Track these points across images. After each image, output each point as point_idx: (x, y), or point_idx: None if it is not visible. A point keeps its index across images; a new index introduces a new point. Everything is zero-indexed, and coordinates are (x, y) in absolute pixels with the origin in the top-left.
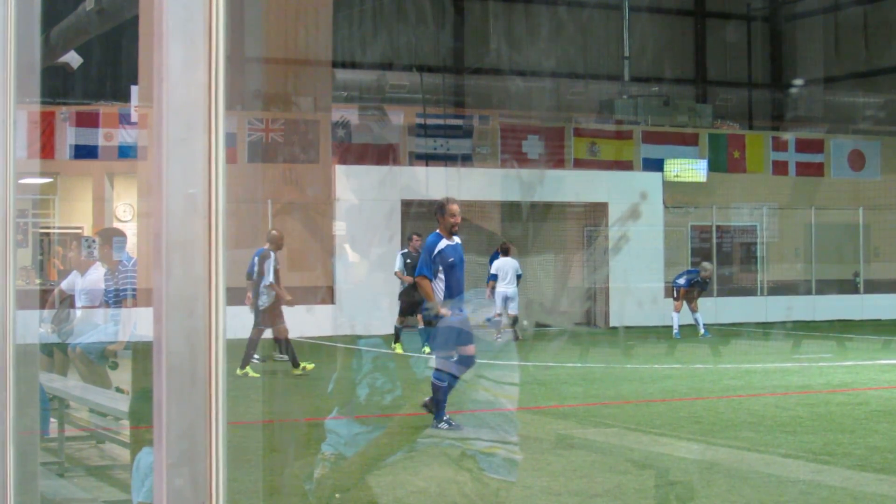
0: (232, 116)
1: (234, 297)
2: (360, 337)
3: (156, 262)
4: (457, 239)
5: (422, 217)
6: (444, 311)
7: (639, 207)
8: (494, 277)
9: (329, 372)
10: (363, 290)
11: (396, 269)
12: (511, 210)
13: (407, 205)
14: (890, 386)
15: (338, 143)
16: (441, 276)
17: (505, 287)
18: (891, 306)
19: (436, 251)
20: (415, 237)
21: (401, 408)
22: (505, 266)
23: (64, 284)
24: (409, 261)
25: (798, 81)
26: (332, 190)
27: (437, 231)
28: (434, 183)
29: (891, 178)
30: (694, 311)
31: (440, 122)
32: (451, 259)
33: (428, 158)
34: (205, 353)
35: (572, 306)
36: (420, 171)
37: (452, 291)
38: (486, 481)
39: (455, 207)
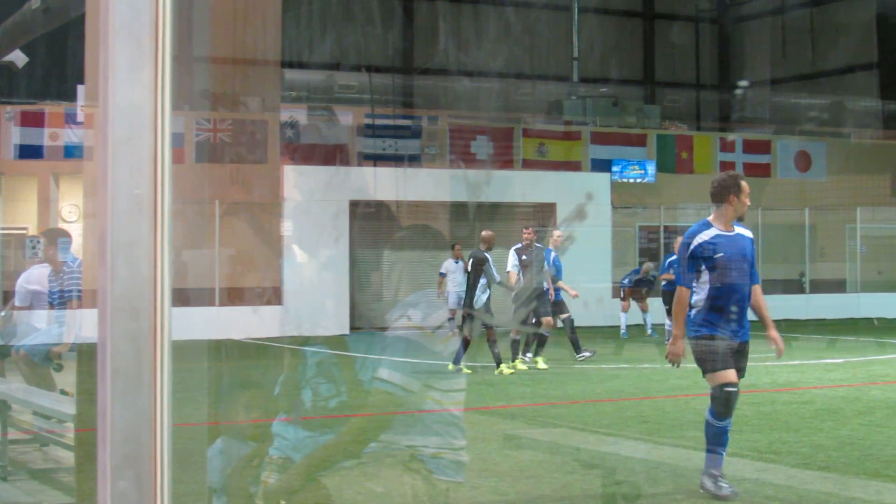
0: (179, 116)
1: (179, 298)
2: (308, 339)
3: (100, 263)
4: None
5: (370, 217)
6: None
7: (585, 208)
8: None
9: (276, 374)
10: (311, 291)
11: (510, 269)
12: (459, 210)
13: (355, 205)
14: (834, 385)
15: (286, 144)
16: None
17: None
18: (836, 306)
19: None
20: (526, 231)
21: (347, 412)
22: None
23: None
24: (524, 257)
25: (745, 83)
26: (280, 190)
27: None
28: (382, 183)
29: (836, 178)
30: (644, 310)
31: (389, 122)
32: None
33: (376, 159)
34: (150, 354)
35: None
36: (368, 171)
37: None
38: (435, 483)
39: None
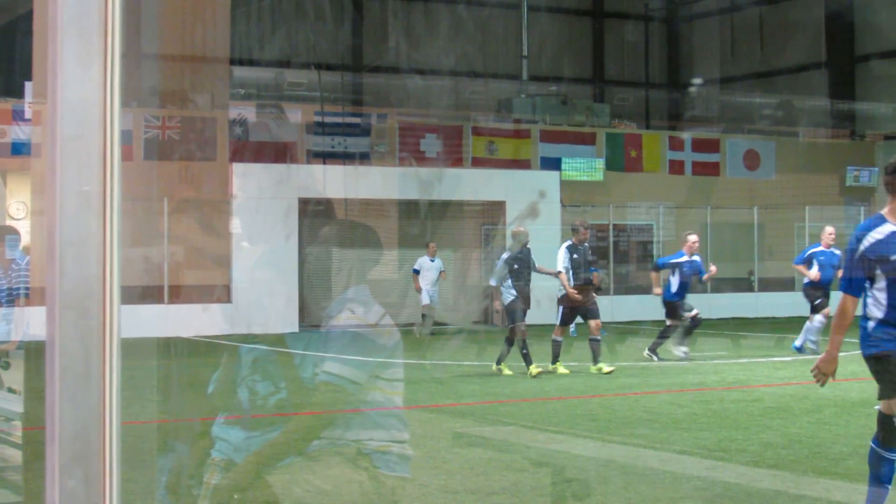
0: (128, 113)
1: (127, 296)
2: (255, 336)
3: (49, 260)
4: None
5: (319, 215)
6: None
7: (537, 206)
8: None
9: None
10: (260, 288)
11: (560, 269)
12: (408, 208)
13: (304, 203)
14: (783, 383)
15: (235, 141)
16: None
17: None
18: (784, 304)
19: None
20: (584, 228)
21: (287, 409)
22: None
23: None
24: (575, 255)
25: (695, 81)
26: (228, 188)
27: None
28: (331, 181)
29: (785, 177)
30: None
31: (338, 120)
32: None
33: (325, 157)
34: (99, 352)
35: (469, 305)
36: (317, 169)
37: None
38: (383, 479)
39: None
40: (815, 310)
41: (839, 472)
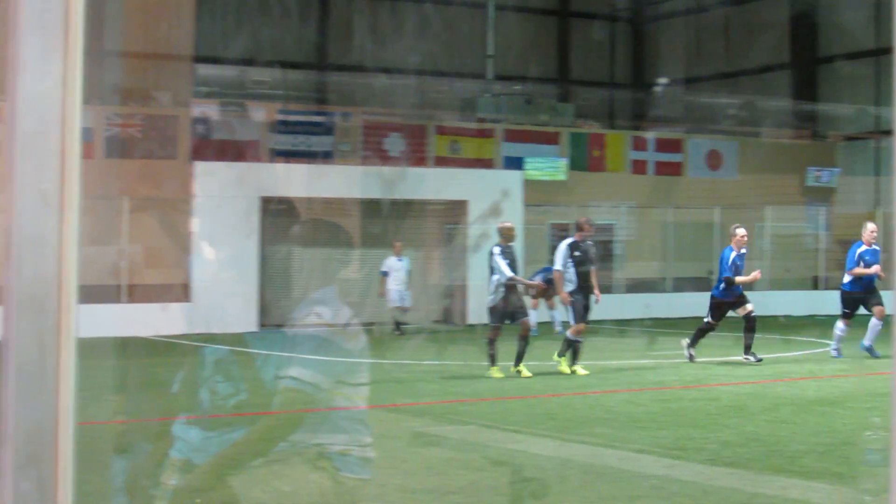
0: (89, 111)
1: (85, 295)
2: (214, 336)
3: (6, 258)
4: None
5: (279, 214)
6: None
7: (499, 205)
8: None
9: (178, 372)
10: (220, 288)
11: (557, 267)
12: (371, 207)
13: (266, 202)
14: (741, 382)
15: (197, 139)
16: None
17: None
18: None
19: None
20: (587, 225)
21: (250, 411)
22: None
23: None
24: (577, 253)
25: (659, 81)
26: (190, 186)
27: None
28: (294, 180)
29: (747, 177)
30: (551, 308)
31: (302, 118)
32: None
33: (288, 155)
34: (55, 352)
35: (430, 304)
36: (280, 168)
37: None
38: (342, 480)
39: None
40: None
41: (795, 470)
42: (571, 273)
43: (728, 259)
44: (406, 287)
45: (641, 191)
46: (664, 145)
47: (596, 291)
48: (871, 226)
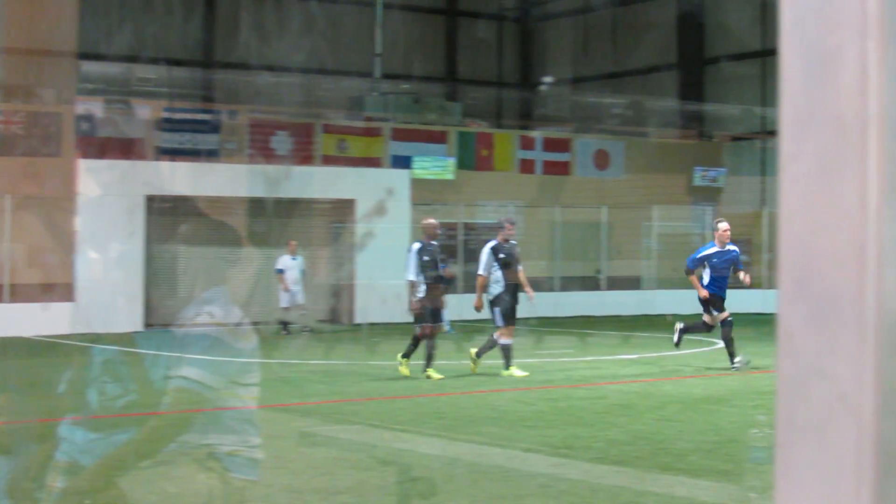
0: None
1: None
2: (99, 335)
3: None
4: None
5: (165, 213)
6: None
7: (384, 204)
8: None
9: (65, 373)
10: (104, 287)
11: (482, 272)
12: (256, 206)
13: (151, 200)
14: (629, 380)
15: (81, 137)
16: None
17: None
18: (631, 303)
19: None
20: (509, 225)
21: (139, 411)
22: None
23: None
24: (502, 255)
25: (547, 81)
26: (73, 184)
27: None
28: (179, 178)
29: (634, 177)
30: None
31: (188, 116)
32: None
33: (174, 153)
34: None
35: (317, 303)
36: (165, 166)
37: None
38: (230, 481)
39: None
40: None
41: (682, 468)
42: (498, 275)
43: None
44: (300, 286)
45: (529, 190)
46: (552, 145)
47: (528, 290)
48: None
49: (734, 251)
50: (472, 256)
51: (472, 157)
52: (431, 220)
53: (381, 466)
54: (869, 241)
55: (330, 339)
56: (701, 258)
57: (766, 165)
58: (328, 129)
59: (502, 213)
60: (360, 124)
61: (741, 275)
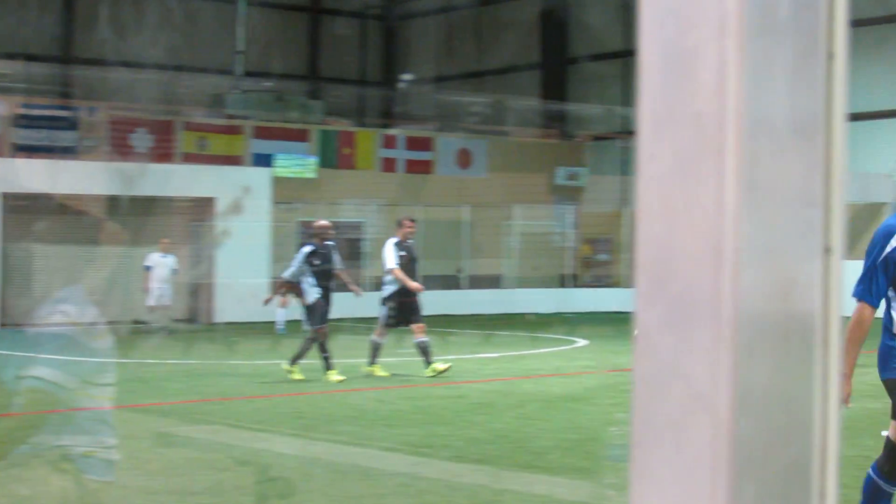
0: None
1: None
2: None
3: None
4: None
5: (20, 211)
6: None
7: (240, 202)
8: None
9: None
10: None
11: (391, 266)
12: (114, 204)
13: (6, 198)
14: (489, 379)
15: None
16: None
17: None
18: (491, 301)
19: None
20: (408, 223)
21: None
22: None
23: None
24: (403, 253)
25: (406, 78)
26: None
27: None
28: (36, 175)
29: (496, 176)
30: (283, 305)
31: (45, 112)
32: None
33: (31, 150)
34: None
35: (174, 302)
36: (21, 163)
37: None
38: (85, 483)
39: None
40: None
41: (542, 466)
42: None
43: None
44: (169, 284)
45: (391, 189)
46: (414, 143)
47: (414, 285)
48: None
49: None
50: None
51: (334, 156)
52: (324, 222)
53: (239, 466)
54: (726, 240)
55: (188, 339)
56: None
57: (626, 165)
58: (189, 127)
59: (364, 211)
60: (222, 122)
61: None
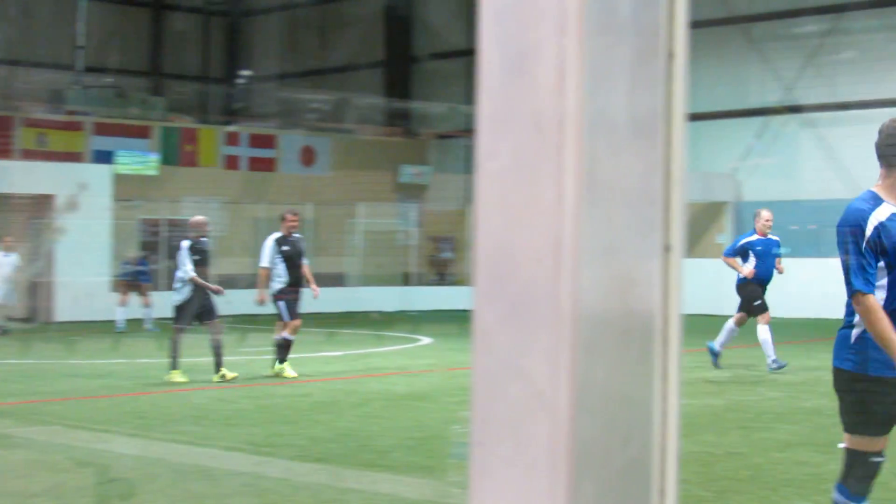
0: None
1: None
2: None
3: None
4: None
5: None
6: None
7: (76, 199)
8: None
9: None
10: None
11: (265, 264)
12: None
13: None
14: (333, 378)
15: None
16: None
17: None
18: (335, 300)
19: None
20: (291, 217)
21: None
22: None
23: None
24: (285, 248)
25: (245, 74)
26: None
27: None
28: None
29: (340, 174)
30: (146, 304)
31: None
32: None
33: None
34: None
35: (9, 300)
36: None
37: None
38: None
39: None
40: (751, 312)
41: (385, 465)
42: (281, 269)
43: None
44: (12, 284)
45: (234, 186)
46: (257, 141)
47: (313, 286)
48: (765, 214)
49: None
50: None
51: (177, 153)
52: (200, 217)
53: (80, 468)
54: (565, 238)
55: (26, 338)
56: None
57: (470, 163)
58: (28, 123)
59: (207, 209)
60: (61, 118)
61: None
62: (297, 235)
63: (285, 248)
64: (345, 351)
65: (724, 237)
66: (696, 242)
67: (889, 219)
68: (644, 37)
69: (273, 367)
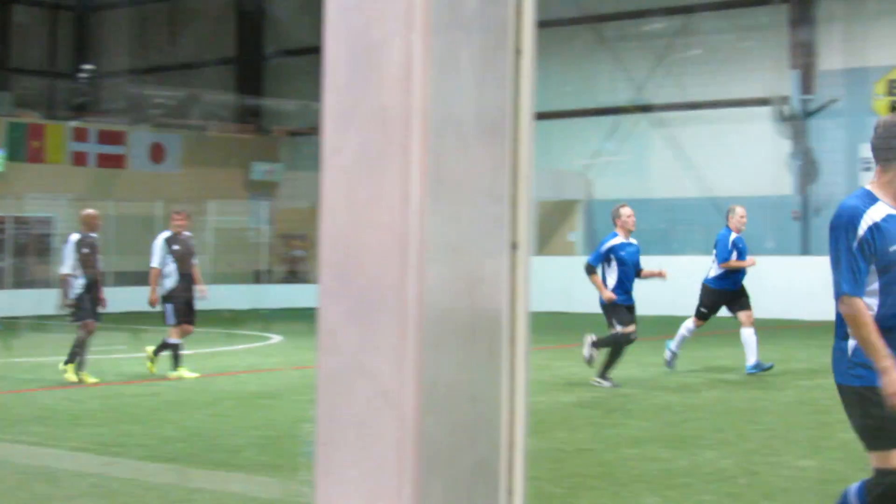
0: None
1: None
2: None
3: None
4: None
5: None
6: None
7: None
8: None
9: None
10: None
11: (155, 264)
12: None
13: None
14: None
15: None
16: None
17: None
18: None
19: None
20: (177, 216)
21: None
22: None
23: None
24: (176, 247)
25: (94, 70)
26: None
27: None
28: None
29: (190, 171)
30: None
31: None
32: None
33: None
34: None
35: None
36: None
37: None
38: None
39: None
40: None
41: (236, 464)
42: (171, 268)
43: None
44: None
45: (82, 183)
46: (106, 137)
47: (201, 287)
48: (739, 210)
49: (636, 246)
50: (22, 251)
51: (23, 149)
52: (91, 211)
53: None
54: (411, 235)
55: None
56: (605, 251)
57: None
58: None
59: (54, 206)
60: None
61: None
62: (186, 234)
63: (175, 247)
64: (195, 349)
65: (576, 234)
66: (547, 240)
67: (884, 220)
68: (491, 32)
69: (170, 373)
